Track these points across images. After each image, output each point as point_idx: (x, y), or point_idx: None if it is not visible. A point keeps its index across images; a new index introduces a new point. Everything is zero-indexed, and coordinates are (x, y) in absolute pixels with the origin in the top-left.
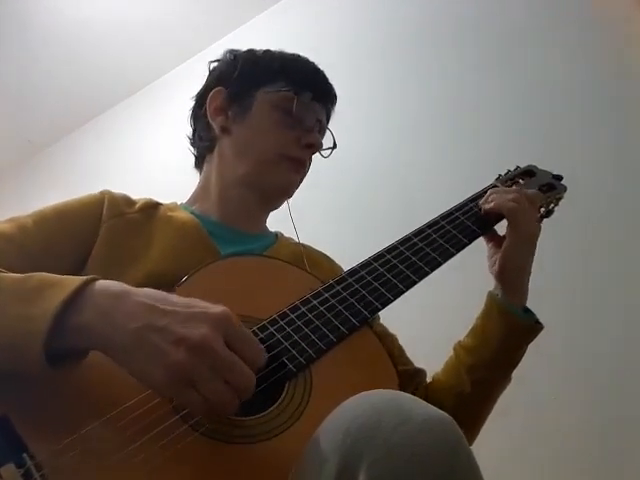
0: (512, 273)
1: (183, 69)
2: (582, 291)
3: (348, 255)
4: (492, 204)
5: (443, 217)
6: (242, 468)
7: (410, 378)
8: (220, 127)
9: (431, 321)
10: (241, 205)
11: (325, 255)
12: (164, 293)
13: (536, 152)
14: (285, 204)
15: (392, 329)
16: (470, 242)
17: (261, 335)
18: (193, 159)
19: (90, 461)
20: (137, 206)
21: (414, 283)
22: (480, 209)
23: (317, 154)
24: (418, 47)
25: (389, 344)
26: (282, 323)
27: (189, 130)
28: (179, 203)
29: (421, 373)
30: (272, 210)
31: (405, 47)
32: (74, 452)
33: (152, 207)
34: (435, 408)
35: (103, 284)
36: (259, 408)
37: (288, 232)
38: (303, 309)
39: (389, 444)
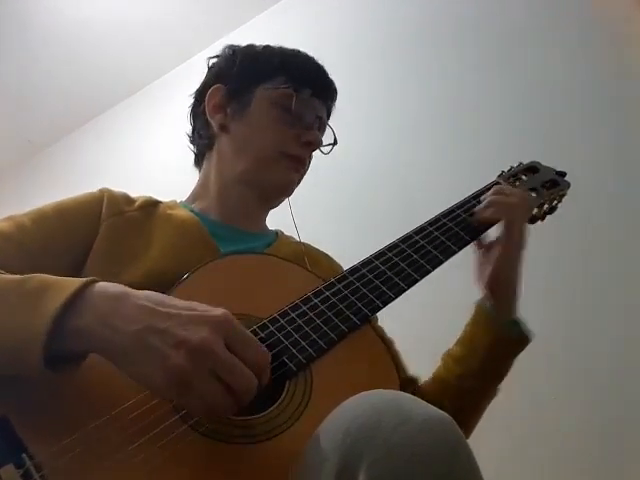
0: (505, 285)
1: (183, 69)
2: (582, 291)
3: (348, 254)
4: (491, 213)
5: (444, 215)
6: (242, 468)
7: (402, 388)
8: (219, 125)
9: (432, 320)
10: (240, 203)
11: (325, 254)
12: (164, 295)
13: (536, 152)
14: (286, 203)
15: (393, 328)
16: (472, 240)
17: (261, 334)
18: (193, 158)
19: (90, 461)
20: (136, 204)
21: (415, 281)
22: (475, 213)
23: (317, 151)
24: (418, 47)
25: None
26: (282, 322)
27: (189, 128)
28: (178, 201)
29: (413, 382)
30: (271, 208)
31: (405, 47)
32: (74, 453)
33: (151, 205)
34: (435, 408)
35: (103, 286)
36: (259, 407)
37: (288, 231)
38: (304, 308)
39: (389, 444)
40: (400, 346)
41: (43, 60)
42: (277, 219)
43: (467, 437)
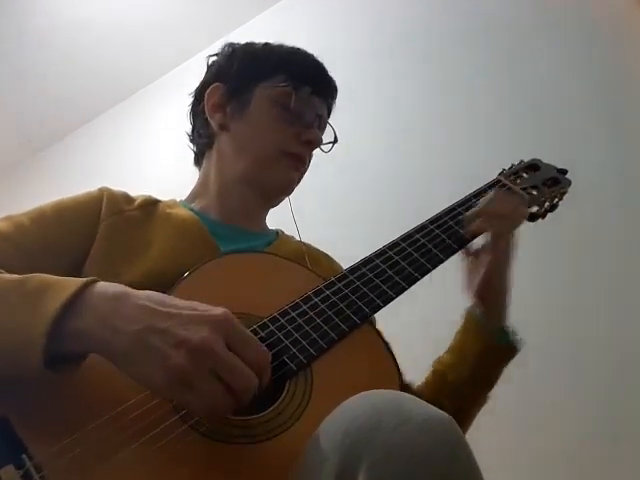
0: (495, 293)
1: (180, 71)
2: (582, 291)
3: (348, 255)
4: (476, 227)
5: (446, 213)
6: (242, 468)
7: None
8: (218, 124)
9: (433, 320)
10: (240, 203)
11: (325, 254)
12: (165, 295)
13: (536, 152)
14: (287, 203)
15: (392, 329)
16: (472, 239)
17: (261, 333)
18: (190, 160)
19: (90, 462)
20: (136, 203)
21: (416, 280)
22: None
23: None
24: (426, 46)
25: None
26: (283, 321)
27: (188, 127)
28: (178, 200)
29: (408, 389)
30: (271, 207)
31: (413, 46)
32: (74, 453)
33: (151, 204)
34: (435, 408)
35: (103, 286)
36: (259, 407)
37: (288, 231)
38: (304, 307)
39: (388, 445)
40: (400, 346)
41: (39, 63)
42: (277, 219)
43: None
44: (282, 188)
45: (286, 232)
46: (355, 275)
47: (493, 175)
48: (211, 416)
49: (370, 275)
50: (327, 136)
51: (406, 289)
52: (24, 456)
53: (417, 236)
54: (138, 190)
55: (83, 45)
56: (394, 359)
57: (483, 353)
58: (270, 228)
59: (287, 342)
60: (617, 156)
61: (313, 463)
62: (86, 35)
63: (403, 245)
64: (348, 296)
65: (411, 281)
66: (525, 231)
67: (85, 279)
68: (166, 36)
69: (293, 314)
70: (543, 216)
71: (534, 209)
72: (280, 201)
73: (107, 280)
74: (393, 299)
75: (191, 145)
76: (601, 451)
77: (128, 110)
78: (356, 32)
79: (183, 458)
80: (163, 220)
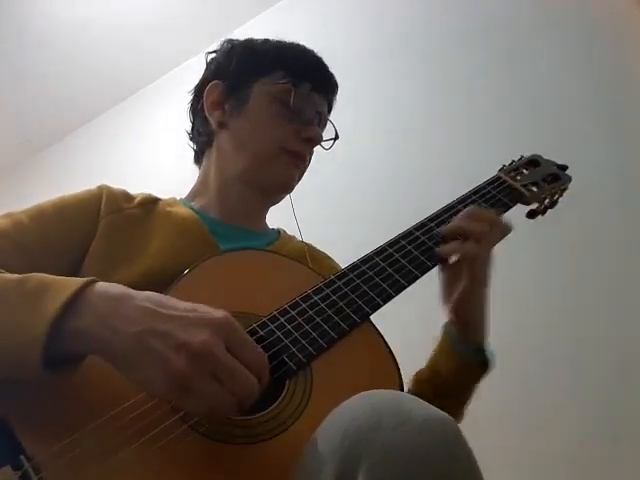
0: (471, 312)
1: (179, 72)
2: (582, 291)
3: (348, 255)
4: (450, 249)
5: (445, 210)
6: (242, 468)
7: None
8: (217, 122)
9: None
10: (240, 201)
11: (326, 255)
12: (165, 296)
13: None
14: (288, 204)
15: (392, 329)
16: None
17: (261, 332)
18: (189, 160)
19: (89, 462)
20: (136, 201)
21: (416, 278)
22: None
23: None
24: (426, 46)
25: None
26: (282, 320)
27: (188, 125)
28: (178, 198)
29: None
30: (271, 205)
31: (413, 46)
32: (73, 453)
33: (151, 202)
34: (436, 408)
35: (103, 286)
36: (259, 407)
37: (289, 231)
38: (304, 305)
39: (388, 446)
40: (400, 346)
41: (39, 63)
42: (278, 219)
43: None
44: (282, 185)
45: (287, 232)
46: (355, 273)
47: (493, 172)
48: (212, 418)
49: (370, 273)
50: (328, 133)
51: (406, 287)
52: (22, 457)
53: (417, 234)
54: (138, 190)
55: (83, 45)
56: (394, 359)
57: (459, 370)
58: (271, 228)
59: (286, 341)
60: (617, 156)
61: (312, 465)
62: (86, 35)
63: (403, 243)
64: (348, 295)
65: (411, 279)
66: (525, 231)
67: (85, 279)
68: (166, 36)
69: (293, 313)
70: (543, 213)
71: (534, 206)
72: (280, 199)
73: (106, 278)
74: (393, 297)
75: (191, 143)
76: (601, 451)
77: (128, 110)
78: (356, 32)
79: (183, 458)
80: (163, 218)
